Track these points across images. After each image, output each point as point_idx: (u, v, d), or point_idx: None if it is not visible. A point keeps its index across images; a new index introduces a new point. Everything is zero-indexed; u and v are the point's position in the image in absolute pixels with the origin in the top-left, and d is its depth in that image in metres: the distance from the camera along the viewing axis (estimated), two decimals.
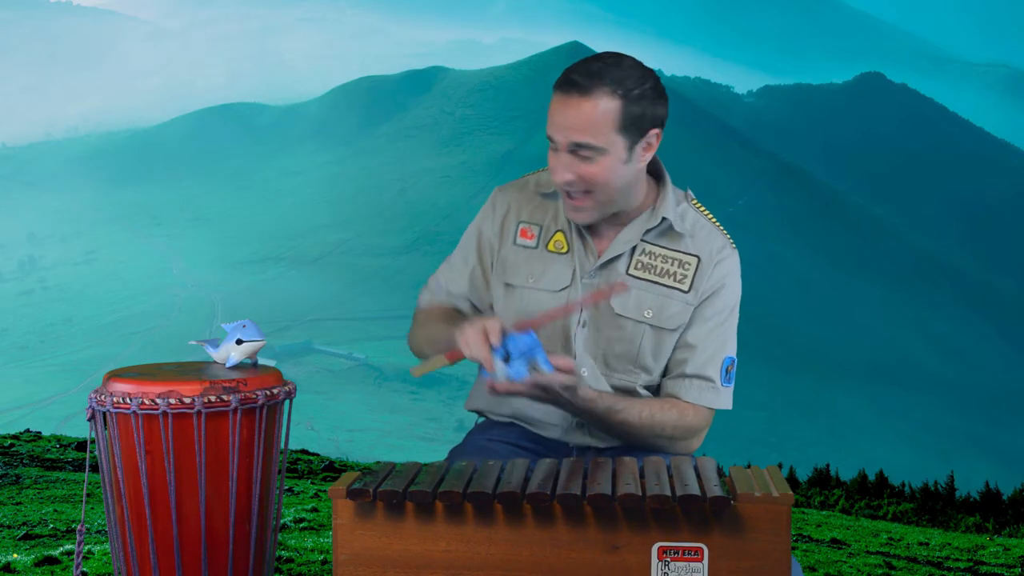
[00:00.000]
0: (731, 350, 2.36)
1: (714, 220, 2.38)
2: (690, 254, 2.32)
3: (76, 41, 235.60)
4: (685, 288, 2.31)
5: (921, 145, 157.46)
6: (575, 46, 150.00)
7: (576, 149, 2.21)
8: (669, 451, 2.32)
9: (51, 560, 4.05)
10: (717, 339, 2.34)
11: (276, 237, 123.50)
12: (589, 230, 2.35)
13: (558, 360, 2.14)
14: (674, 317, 2.31)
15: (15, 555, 4.19)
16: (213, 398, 2.25)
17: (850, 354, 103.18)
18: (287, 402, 2.41)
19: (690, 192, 2.41)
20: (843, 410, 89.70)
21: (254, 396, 2.30)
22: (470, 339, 2.09)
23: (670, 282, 2.31)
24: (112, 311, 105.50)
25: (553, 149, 2.25)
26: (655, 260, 2.32)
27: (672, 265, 2.32)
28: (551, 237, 2.37)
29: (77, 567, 2.42)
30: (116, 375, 2.35)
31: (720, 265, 2.33)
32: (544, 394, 2.16)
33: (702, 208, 2.39)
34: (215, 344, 2.42)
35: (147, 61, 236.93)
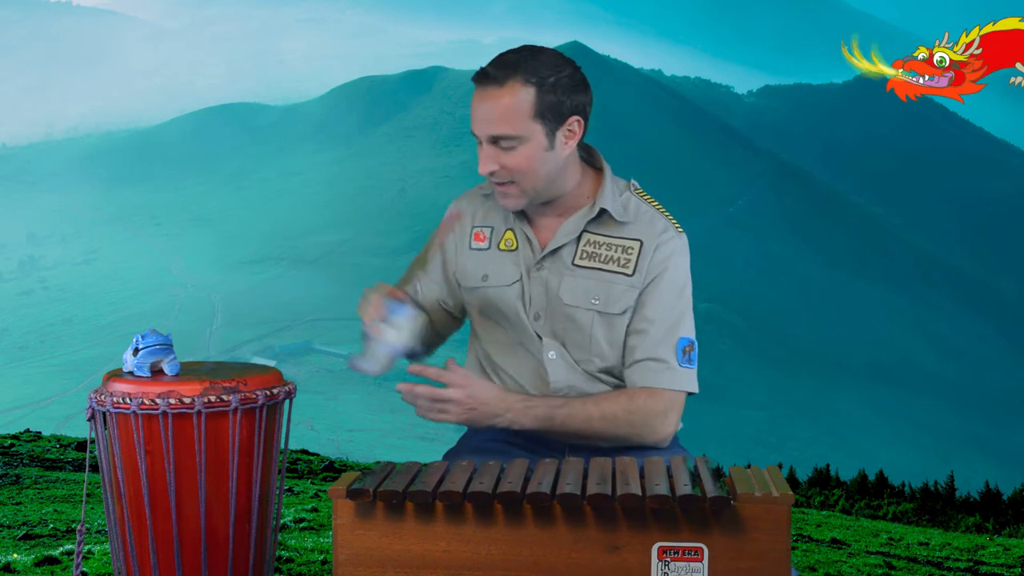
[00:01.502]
0: (686, 331, 2.36)
1: (659, 207, 2.42)
2: (633, 239, 2.36)
3: (76, 41, 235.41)
4: (629, 272, 2.34)
5: (921, 145, 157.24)
6: (575, 46, 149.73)
7: (496, 141, 2.27)
8: (640, 441, 2.32)
9: (51, 560, 4.05)
10: (667, 321, 2.34)
11: (276, 237, 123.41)
12: (530, 224, 2.41)
13: (449, 374, 2.24)
14: (619, 301, 2.34)
15: (15, 555, 4.19)
16: (213, 398, 2.25)
17: (850, 354, 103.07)
18: (287, 402, 2.41)
19: (634, 182, 2.44)
20: (843, 410, 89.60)
21: (254, 396, 2.30)
22: None
23: (615, 267, 2.35)
24: (112, 311, 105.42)
25: (479, 142, 2.31)
26: (599, 248, 2.36)
27: (616, 251, 2.36)
28: (502, 237, 2.44)
29: (77, 567, 2.42)
30: (116, 375, 2.35)
31: (663, 247, 2.36)
32: (465, 411, 2.25)
33: (647, 196, 2.43)
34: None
35: (147, 61, 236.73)
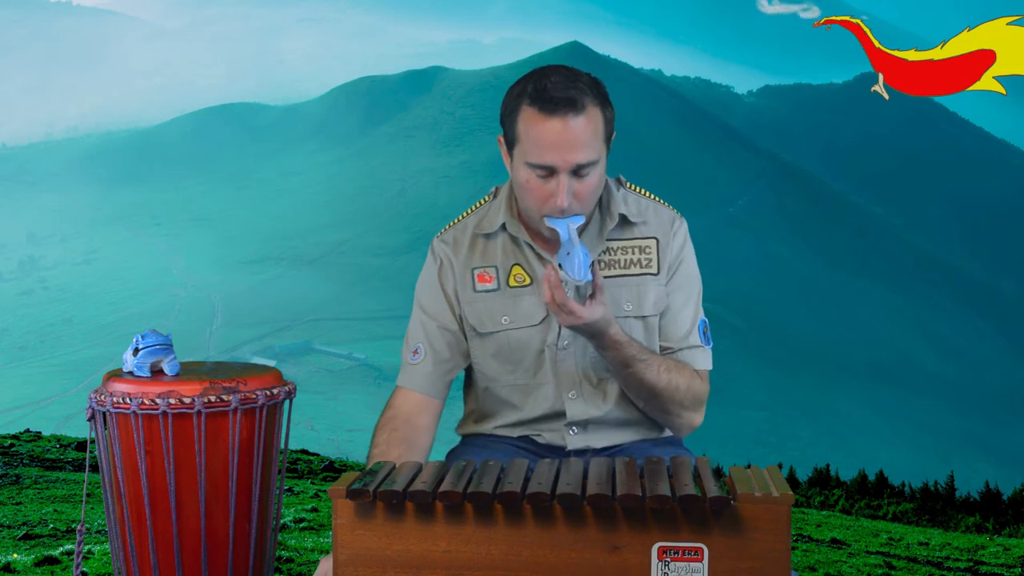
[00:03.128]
0: (702, 312, 2.38)
1: (653, 196, 2.40)
2: (647, 237, 2.33)
3: (76, 41, 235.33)
4: (655, 271, 2.33)
5: (921, 145, 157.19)
6: (575, 46, 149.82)
7: (578, 169, 2.17)
8: (677, 421, 2.33)
9: (51, 560, 4.06)
10: (691, 307, 2.36)
11: (276, 237, 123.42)
12: (547, 249, 2.31)
13: (600, 297, 2.15)
14: (656, 302, 2.32)
15: (15, 555, 4.19)
16: (213, 398, 2.25)
17: (850, 354, 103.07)
18: (287, 402, 2.41)
19: (621, 176, 2.41)
20: (843, 410, 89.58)
21: (254, 396, 2.30)
22: None
23: (638, 270, 2.32)
24: (112, 311, 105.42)
25: (542, 176, 2.18)
26: (615, 254, 2.32)
27: (633, 254, 2.33)
28: (509, 273, 2.34)
29: (77, 567, 2.42)
30: (116, 375, 2.35)
31: (675, 237, 2.35)
32: (573, 324, 2.15)
33: (638, 189, 2.40)
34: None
35: (147, 61, 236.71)
